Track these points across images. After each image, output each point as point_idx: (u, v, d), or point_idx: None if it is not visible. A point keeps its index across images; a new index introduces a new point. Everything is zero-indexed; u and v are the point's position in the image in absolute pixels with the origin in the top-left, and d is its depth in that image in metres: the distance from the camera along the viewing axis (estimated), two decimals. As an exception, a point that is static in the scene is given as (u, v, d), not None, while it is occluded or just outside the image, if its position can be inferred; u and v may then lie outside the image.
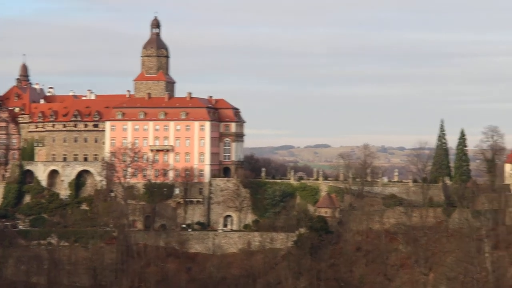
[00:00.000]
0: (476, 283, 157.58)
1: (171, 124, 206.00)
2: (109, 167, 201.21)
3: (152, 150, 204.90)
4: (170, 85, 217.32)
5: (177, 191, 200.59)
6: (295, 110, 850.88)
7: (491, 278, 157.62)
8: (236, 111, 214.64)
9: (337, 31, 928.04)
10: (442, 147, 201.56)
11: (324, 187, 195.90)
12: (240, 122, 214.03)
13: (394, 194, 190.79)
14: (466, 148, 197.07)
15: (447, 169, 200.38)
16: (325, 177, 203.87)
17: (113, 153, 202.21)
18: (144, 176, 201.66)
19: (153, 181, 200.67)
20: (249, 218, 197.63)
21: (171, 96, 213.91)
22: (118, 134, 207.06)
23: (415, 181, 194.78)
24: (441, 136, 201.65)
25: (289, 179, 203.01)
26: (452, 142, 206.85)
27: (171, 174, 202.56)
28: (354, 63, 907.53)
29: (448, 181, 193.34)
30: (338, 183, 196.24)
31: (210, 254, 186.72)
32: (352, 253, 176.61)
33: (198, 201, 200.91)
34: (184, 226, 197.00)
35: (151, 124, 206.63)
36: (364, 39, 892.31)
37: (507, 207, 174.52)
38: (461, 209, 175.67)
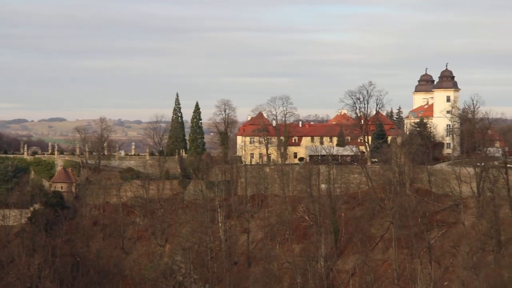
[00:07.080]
0: (210, 251, 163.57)
1: None
2: None
3: None
4: None
5: None
6: (27, 82, 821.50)
7: (224, 246, 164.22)
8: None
9: (73, 3, 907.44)
10: (177, 120, 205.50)
11: (60, 161, 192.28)
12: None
13: (131, 168, 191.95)
14: (200, 121, 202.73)
15: (183, 142, 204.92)
16: (61, 152, 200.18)
17: None
18: None
19: None
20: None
21: None
22: None
23: (152, 154, 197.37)
24: (177, 110, 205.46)
25: (22, 154, 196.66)
26: (187, 115, 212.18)
27: None
28: (90, 35, 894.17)
29: (184, 153, 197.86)
30: (75, 157, 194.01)
31: None
32: (89, 227, 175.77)
33: None
34: None
35: None
36: (100, 11, 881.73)
37: (238, 178, 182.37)
38: (196, 181, 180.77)
